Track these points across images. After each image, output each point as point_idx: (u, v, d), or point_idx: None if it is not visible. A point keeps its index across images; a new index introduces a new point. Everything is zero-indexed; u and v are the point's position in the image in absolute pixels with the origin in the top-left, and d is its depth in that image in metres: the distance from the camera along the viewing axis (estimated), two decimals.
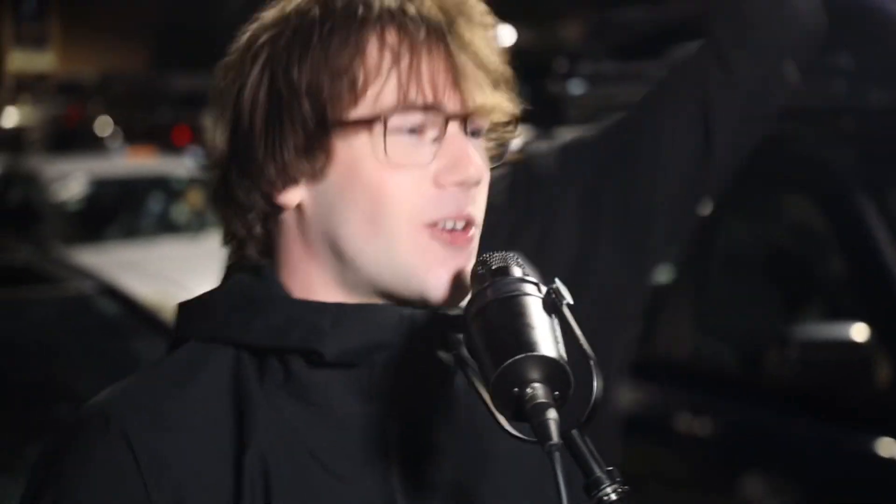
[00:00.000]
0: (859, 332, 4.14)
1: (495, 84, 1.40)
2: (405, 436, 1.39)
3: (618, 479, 1.25)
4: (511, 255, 1.38)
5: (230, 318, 1.39)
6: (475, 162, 1.38)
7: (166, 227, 10.55)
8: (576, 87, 5.60)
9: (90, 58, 36.55)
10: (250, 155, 1.38)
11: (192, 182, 11.09)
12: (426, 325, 1.38)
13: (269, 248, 1.42)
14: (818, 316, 4.60)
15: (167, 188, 11.02)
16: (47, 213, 10.34)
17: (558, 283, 1.34)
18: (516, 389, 1.25)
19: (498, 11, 1.48)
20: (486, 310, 1.31)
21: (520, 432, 1.29)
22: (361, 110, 1.36)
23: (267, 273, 1.41)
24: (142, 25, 38.13)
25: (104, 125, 23.55)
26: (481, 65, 1.38)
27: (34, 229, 10.17)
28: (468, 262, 1.39)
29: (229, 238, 1.43)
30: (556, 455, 1.23)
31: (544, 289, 1.33)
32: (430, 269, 1.37)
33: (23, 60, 38.20)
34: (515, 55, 1.47)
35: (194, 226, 10.48)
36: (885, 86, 4.59)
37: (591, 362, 1.30)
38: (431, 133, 1.37)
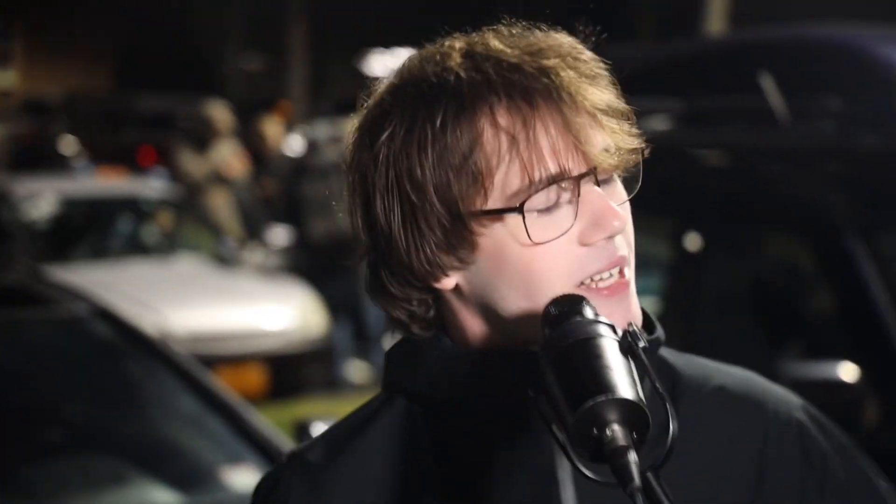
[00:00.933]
0: (848, 371, 4.15)
1: (614, 123, 1.41)
2: (562, 463, 1.42)
3: None
4: (581, 297, 1.37)
5: (403, 369, 1.48)
6: (616, 212, 1.39)
7: (135, 248, 10.44)
8: None
9: (53, 77, 36.34)
10: (395, 256, 1.42)
11: (161, 203, 11.02)
12: None
13: (435, 320, 1.48)
14: (807, 355, 4.61)
15: (136, 209, 10.93)
16: (17, 232, 10.21)
17: (634, 326, 1.34)
18: (595, 431, 1.25)
19: None
20: (564, 352, 1.30)
21: (594, 473, 1.29)
22: (493, 201, 1.38)
23: (440, 333, 1.48)
24: (104, 47, 38.06)
25: (69, 144, 23.39)
26: (595, 114, 1.39)
27: (3, 247, 10.07)
28: (632, 303, 1.42)
29: (394, 322, 1.49)
30: (639, 497, 1.23)
31: (619, 330, 1.33)
32: None
33: None
34: None
35: (164, 248, 10.40)
36: (873, 128, 4.62)
37: (667, 404, 1.31)
38: (565, 196, 1.38)
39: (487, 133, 1.37)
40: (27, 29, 39.27)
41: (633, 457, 1.23)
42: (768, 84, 4.76)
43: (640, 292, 1.47)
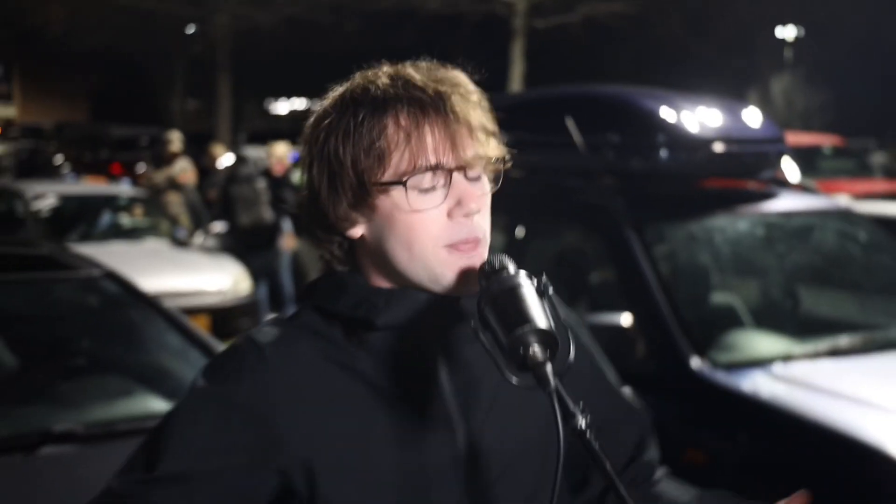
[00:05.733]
0: (625, 319, 4.24)
1: (484, 138, 1.40)
2: (433, 371, 1.42)
3: (585, 413, 1.26)
4: (506, 256, 1.38)
5: (328, 295, 1.44)
6: (475, 197, 1.39)
7: (115, 233, 10.11)
8: None
9: (44, 110, 35.15)
10: (320, 209, 1.41)
11: (133, 200, 10.72)
12: (445, 305, 1.41)
13: (347, 260, 1.46)
14: (595, 309, 4.70)
15: (115, 204, 10.58)
16: (28, 221, 9.83)
17: (545, 277, 1.35)
18: (522, 350, 1.26)
19: None
20: (497, 297, 1.31)
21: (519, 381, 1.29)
22: (387, 176, 1.37)
23: (354, 271, 1.46)
24: (83, 88, 37.00)
25: (58, 160, 22.59)
26: (470, 127, 1.38)
27: (17, 233, 9.69)
28: (476, 265, 1.39)
29: (322, 259, 1.47)
30: (555, 395, 1.24)
31: (535, 280, 1.34)
32: (452, 274, 1.39)
33: None
34: None
35: (135, 233, 10.10)
36: (639, 155, 4.72)
37: (569, 331, 1.33)
38: (440, 182, 1.38)
39: (390, 128, 1.36)
40: (22, 74, 37.99)
41: (549, 368, 1.25)
42: (571, 124, 4.83)
43: None
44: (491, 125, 1.42)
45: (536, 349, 1.25)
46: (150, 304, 3.88)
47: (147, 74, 32.45)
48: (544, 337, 1.26)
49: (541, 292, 1.33)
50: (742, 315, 4.61)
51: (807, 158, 13.01)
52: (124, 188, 11.81)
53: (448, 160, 1.37)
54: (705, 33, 26.30)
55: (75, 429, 3.08)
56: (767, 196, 4.93)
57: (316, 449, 1.36)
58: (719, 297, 4.73)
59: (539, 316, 1.28)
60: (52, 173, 19.60)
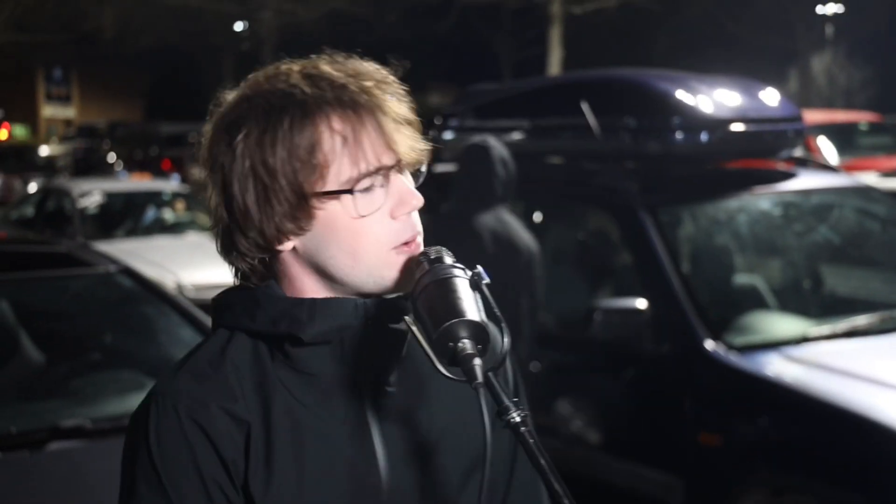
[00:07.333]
0: (641, 302, 4.16)
1: (412, 132, 1.31)
2: (368, 385, 1.31)
3: (521, 407, 1.20)
4: (443, 248, 1.31)
5: (243, 313, 1.31)
6: (415, 193, 1.30)
7: (159, 228, 10.21)
8: (448, 135, 5.57)
9: (100, 110, 35.69)
10: (248, 223, 1.27)
11: (176, 195, 10.79)
12: (375, 308, 1.30)
13: (268, 273, 1.32)
14: (614, 293, 4.60)
15: (159, 200, 10.68)
16: (75, 217, 9.95)
17: (479, 269, 1.27)
18: (451, 344, 1.19)
19: None
20: (429, 288, 1.23)
21: (453, 374, 1.21)
22: (329, 184, 1.25)
23: (271, 283, 1.32)
24: (136, 89, 37.45)
25: (112, 157, 22.93)
26: (401, 123, 1.29)
27: (65, 229, 9.83)
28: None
29: (237, 272, 1.33)
30: (481, 390, 1.17)
31: (469, 273, 1.26)
32: (397, 272, 1.29)
33: (52, 112, 37.51)
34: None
35: (178, 227, 10.18)
36: (655, 138, 4.61)
37: (502, 325, 1.26)
38: (378, 181, 1.28)
39: (325, 135, 1.25)
40: (80, 76, 38.63)
41: (477, 361, 1.18)
42: (587, 108, 4.73)
43: None
44: (413, 116, 1.32)
45: (465, 342, 1.18)
46: (164, 298, 3.85)
47: (197, 72, 32.75)
48: (474, 330, 1.19)
49: (474, 284, 1.26)
50: (762, 296, 4.49)
51: (843, 136, 12.69)
52: (167, 184, 11.91)
53: (386, 159, 1.27)
54: (742, 13, 25.88)
55: (83, 424, 3.06)
56: (784, 175, 4.80)
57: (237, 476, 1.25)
58: (738, 279, 4.61)
59: (470, 308, 1.20)
60: (105, 171, 19.87)
